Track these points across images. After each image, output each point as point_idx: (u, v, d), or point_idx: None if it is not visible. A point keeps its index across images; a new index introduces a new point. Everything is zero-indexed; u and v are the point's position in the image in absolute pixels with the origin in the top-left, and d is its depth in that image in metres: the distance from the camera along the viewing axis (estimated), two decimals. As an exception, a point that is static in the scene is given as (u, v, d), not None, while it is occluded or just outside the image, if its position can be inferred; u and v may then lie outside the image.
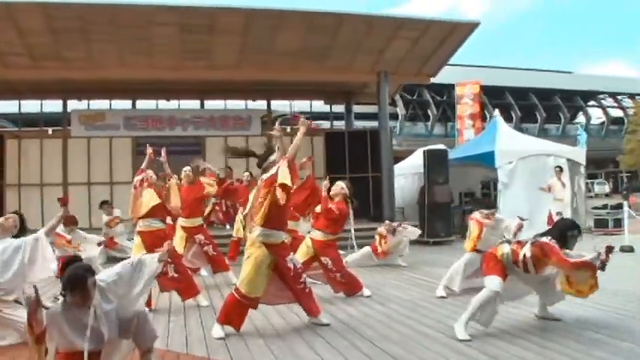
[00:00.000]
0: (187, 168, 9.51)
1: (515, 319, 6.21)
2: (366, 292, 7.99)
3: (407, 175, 19.09)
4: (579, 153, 16.66)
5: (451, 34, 15.86)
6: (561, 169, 14.80)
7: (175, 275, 7.47)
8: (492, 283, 5.68)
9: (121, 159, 18.03)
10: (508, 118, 24.23)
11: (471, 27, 15.87)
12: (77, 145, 18.14)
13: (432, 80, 18.70)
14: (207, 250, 9.28)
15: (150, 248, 7.49)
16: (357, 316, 6.71)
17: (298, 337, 5.84)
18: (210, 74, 16.47)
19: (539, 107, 48.44)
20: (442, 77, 18.67)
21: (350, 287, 7.99)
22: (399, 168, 18.88)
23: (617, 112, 54.14)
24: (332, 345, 5.48)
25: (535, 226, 14.75)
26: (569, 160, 15.77)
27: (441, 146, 17.61)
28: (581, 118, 52.65)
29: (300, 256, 7.66)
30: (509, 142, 15.97)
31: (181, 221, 9.25)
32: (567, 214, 14.85)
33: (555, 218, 14.64)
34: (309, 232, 8.38)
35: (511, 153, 15.36)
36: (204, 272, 9.74)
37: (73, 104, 19.11)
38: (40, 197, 17.51)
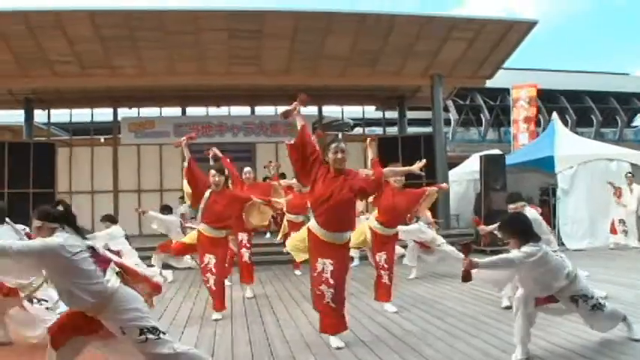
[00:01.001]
0: (248, 169, 9.38)
1: (593, 340, 5.63)
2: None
3: (461, 182, 18.57)
4: (644, 157, 15.90)
5: (508, 34, 15.31)
6: (633, 176, 14.18)
7: (213, 287, 7.31)
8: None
9: (172, 166, 17.98)
10: (563, 122, 23.45)
11: (528, 26, 15.31)
12: (127, 153, 18.25)
13: (486, 84, 18.15)
14: (244, 253, 9.01)
15: (202, 250, 7.41)
16: (415, 331, 6.25)
17: (352, 355, 5.41)
18: (260, 79, 16.26)
19: (594, 110, 47.01)
20: (495, 81, 18.09)
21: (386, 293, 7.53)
22: (452, 174, 18.32)
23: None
24: (389, 365, 5.07)
25: (596, 233, 14.28)
26: (632, 164, 15.03)
27: (497, 151, 17.07)
28: (638, 121, 50.90)
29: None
30: (569, 147, 15.31)
31: None
32: (631, 222, 14.23)
33: (618, 226, 14.08)
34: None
35: (571, 158, 14.72)
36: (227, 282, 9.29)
37: (123, 112, 19.19)
38: (91, 204, 17.69)
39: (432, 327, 6.45)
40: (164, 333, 4.10)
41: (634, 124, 50.26)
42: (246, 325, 6.77)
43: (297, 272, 11.15)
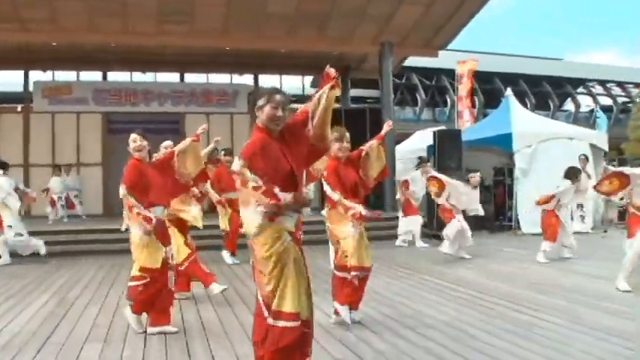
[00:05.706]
0: (168, 143, 6.94)
1: None
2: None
3: (405, 160, 17.38)
4: (602, 138, 15.24)
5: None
6: (587, 158, 13.47)
7: None
8: None
9: (90, 137, 16.47)
10: (497, 104, 23.29)
11: (489, -9, 14.23)
12: (40, 122, 16.41)
13: (421, 64, 17.25)
14: None
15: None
16: (390, 354, 4.81)
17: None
18: (193, 41, 14.74)
19: (528, 94, 47.59)
20: (431, 61, 17.34)
21: None
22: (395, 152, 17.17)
23: (605, 100, 53.25)
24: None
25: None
26: (591, 145, 14.39)
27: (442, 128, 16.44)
28: (569, 105, 51.84)
29: None
30: (527, 124, 14.77)
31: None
32: (589, 207, 13.97)
33: (575, 211, 13.29)
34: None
35: (530, 135, 14.13)
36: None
37: (36, 75, 17.37)
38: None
39: (409, 345, 5.03)
40: None
41: (565, 107, 51.26)
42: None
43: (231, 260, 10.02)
